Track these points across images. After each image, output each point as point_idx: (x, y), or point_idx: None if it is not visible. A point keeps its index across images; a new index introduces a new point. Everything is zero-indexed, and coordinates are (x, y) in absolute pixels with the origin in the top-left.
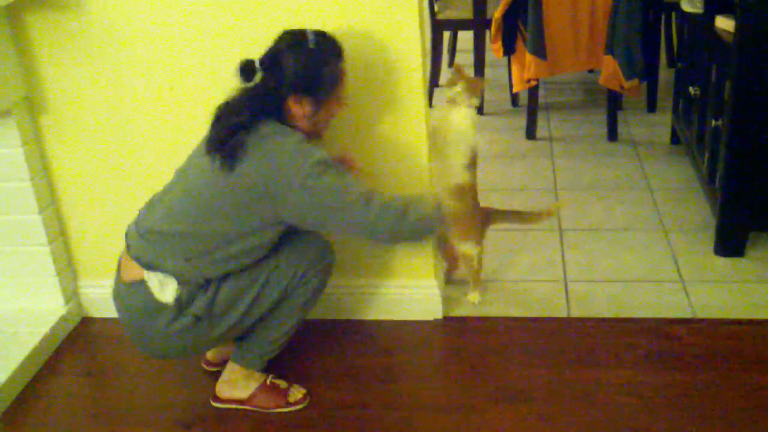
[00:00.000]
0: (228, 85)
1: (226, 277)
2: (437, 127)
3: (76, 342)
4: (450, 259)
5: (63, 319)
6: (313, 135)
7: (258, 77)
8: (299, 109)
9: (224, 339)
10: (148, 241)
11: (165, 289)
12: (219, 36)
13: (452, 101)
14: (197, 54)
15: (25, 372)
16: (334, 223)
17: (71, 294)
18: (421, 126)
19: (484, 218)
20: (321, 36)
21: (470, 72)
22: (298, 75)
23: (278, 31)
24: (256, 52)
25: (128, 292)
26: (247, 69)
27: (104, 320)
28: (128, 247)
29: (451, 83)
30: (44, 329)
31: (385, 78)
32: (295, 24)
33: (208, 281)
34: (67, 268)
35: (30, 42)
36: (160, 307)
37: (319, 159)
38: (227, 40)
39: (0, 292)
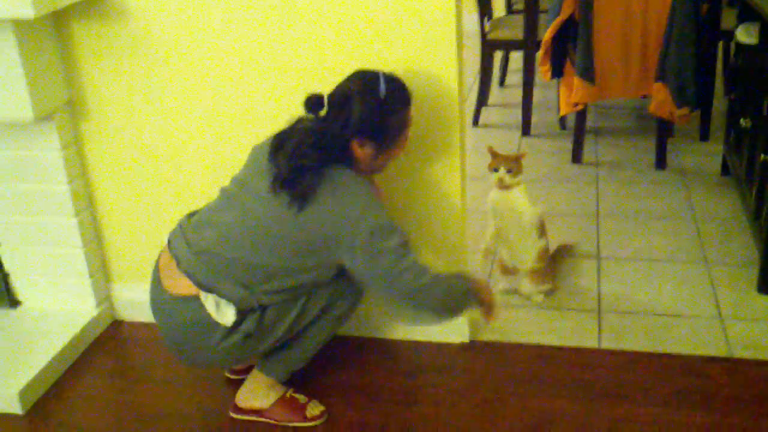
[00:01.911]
0: (267, 96)
1: None
2: (494, 213)
3: (105, 344)
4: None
5: (94, 321)
6: (371, 173)
7: (323, 112)
8: (362, 151)
9: (270, 349)
10: (203, 262)
11: (222, 311)
12: (260, 46)
13: (499, 186)
14: (238, 63)
15: (52, 371)
16: (383, 285)
17: (103, 297)
18: (455, 161)
19: (557, 266)
20: (393, 83)
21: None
22: (365, 120)
23: (317, 52)
24: (295, 64)
25: (178, 306)
26: (314, 103)
27: (134, 324)
28: (177, 260)
29: (492, 168)
30: (74, 330)
31: (421, 112)
32: (331, 43)
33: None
34: (101, 272)
35: (74, 48)
36: (213, 325)
37: (383, 224)
38: (268, 51)
39: (34, 292)
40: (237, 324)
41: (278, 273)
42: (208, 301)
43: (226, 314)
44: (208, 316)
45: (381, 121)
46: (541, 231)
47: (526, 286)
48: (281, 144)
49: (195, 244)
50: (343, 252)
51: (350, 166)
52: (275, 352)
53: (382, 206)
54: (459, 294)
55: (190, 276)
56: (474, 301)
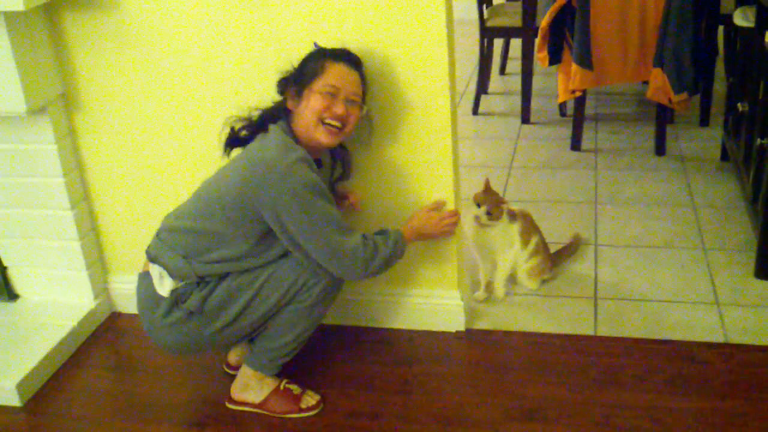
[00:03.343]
0: (259, 84)
1: (225, 276)
2: (475, 245)
3: (103, 336)
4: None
5: (92, 313)
6: (307, 134)
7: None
8: (290, 99)
9: (223, 339)
10: (158, 237)
11: (163, 282)
12: (254, 35)
13: (478, 221)
14: (230, 53)
15: (50, 363)
16: (309, 243)
17: (101, 289)
18: (447, 149)
19: (563, 257)
20: (328, 48)
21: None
22: (296, 68)
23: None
24: (285, 53)
25: (139, 280)
26: None
27: (132, 316)
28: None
29: (475, 202)
30: (72, 322)
31: (411, 100)
32: (323, 32)
33: (205, 280)
34: (98, 264)
35: (66, 40)
36: (159, 299)
37: (309, 181)
38: (261, 39)
39: (31, 285)
40: (181, 300)
41: (214, 239)
42: (154, 271)
43: (164, 285)
44: (155, 288)
45: (302, 64)
46: (527, 237)
47: (525, 280)
48: None
49: (162, 225)
50: (268, 208)
51: (289, 123)
52: (257, 345)
53: (312, 170)
54: (383, 258)
55: (146, 251)
56: (400, 255)
